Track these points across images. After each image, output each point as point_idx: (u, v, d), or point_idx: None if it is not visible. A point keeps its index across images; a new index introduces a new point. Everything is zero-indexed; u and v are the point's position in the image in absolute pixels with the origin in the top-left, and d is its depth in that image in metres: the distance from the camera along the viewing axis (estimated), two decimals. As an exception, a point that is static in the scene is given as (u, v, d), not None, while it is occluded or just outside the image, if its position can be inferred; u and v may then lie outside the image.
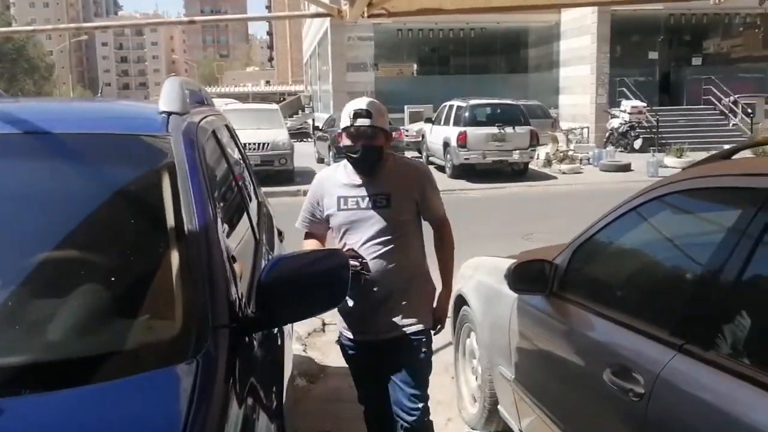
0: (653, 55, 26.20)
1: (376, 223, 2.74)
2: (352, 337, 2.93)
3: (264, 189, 4.24)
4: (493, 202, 13.09)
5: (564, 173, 16.92)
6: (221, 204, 2.18)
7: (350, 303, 2.78)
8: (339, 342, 3.04)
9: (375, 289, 2.76)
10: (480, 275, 3.71)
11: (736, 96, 23.04)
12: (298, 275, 1.68)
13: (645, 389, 1.96)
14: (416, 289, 2.89)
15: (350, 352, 2.99)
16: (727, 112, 23.34)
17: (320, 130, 20.67)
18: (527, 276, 2.77)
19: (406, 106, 24.56)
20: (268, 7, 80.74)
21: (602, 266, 2.76)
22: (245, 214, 2.72)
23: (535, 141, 16.31)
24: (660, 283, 2.35)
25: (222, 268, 1.65)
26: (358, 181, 2.77)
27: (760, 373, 1.65)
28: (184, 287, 1.59)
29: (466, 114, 16.44)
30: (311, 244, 2.89)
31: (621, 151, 20.10)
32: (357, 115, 2.67)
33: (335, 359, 5.00)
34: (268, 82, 63.55)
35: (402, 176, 2.82)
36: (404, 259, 2.81)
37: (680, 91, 25.81)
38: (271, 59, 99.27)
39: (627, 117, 21.13)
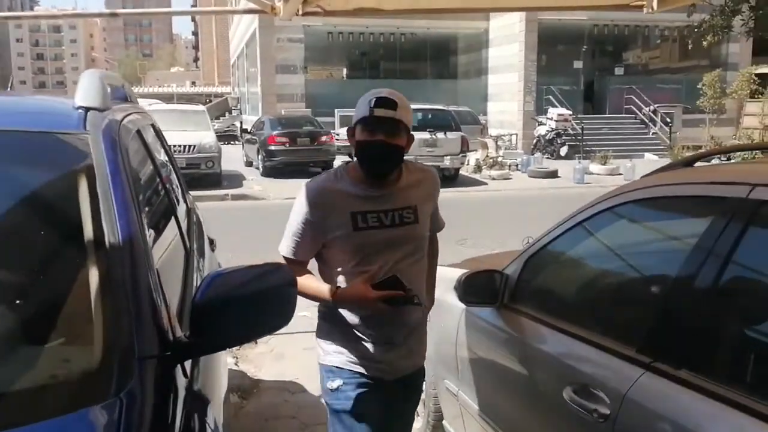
0: (578, 64, 26.97)
1: (404, 243, 2.25)
2: (366, 373, 2.28)
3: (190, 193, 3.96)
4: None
5: (494, 179, 17.10)
6: (147, 211, 1.94)
7: (372, 336, 2.26)
8: (330, 383, 2.31)
9: (407, 319, 2.29)
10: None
11: (655, 105, 23.95)
12: (239, 294, 1.46)
13: (611, 410, 1.84)
14: (424, 318, 2.47)
15: (359, 392, 2.28)
16: (647, 120, 24.22)
17: (249, 132, 20.24)
18: (477, 287, 2.63)
19: (336, 110, 24.37)
20: (194, 6, 78.95)
21: (557, 278, 2.65)
22: (174, 222, 2.44)
23: (465, 147, 16.43)
24: (622, 296, 2.25)
25: (149, 287, 1.42)
26: (376, 192, 2.20)
27: (734, 393, 1.55)
28: (104, 311, 1.34)
29: (399, 119, 16.38)
30: (306, 278, 2.26)
31: (548, 158, 20.53)
32: (379, 103, 2.08)
33: (269, 372, 4.78)
34: (193, 83, 62.02)
35: (421, 184, 2.32)
36: (425, 282, 2.42)
37: (603, 99, 26.65)
38: (196, 60, 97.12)
39: (553, 124, 21.61)
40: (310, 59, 27.83)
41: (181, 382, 1.37)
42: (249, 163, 19.56)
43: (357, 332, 2.26)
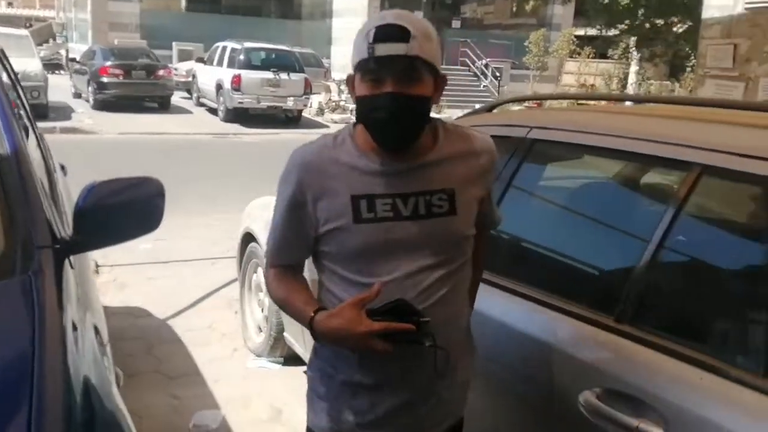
0: (418, 14, 27.68)
1: (432, 244, 1.53)
2: None
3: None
4: (268, 148, 13.18)
5: (336, 123, 17.49)
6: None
7: (377, 389, 1.56)
8: None
9: (434, 362, 1.51)
10: (270, 214, 3.88)
11: (487, 60, 25.40)
12: (115, 201, 1.73)
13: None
14: (470, 348, 1.72)
15: None
16: (479, 74, 25.65)
17: (78, 62, 19.00)
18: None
19: (174, 43, 23.49)
20: None
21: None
22: (35, 142, 2.59)
23: (309, 89, 16.66)
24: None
25: (37, 191, 1.66)
26: (393, 166, 1.51)
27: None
28: (4, 209, 1.57)
29: (241, 57, 16.26)
30: (296, 289, 1.60)
31: (387, 104, 21.19)
32: (382, 35, 1.40)
33: (114, 300, 4.91)
34: (10, 4, 55.94)
35: (467, 158, 1.59)
36: (463, 304, 1.65)
37: (442, 51, 27.73)
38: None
39: (394, 71, 22.25)
40: (146, -13, 26.36)
41: (70, 270, 1.64)
42: (78, 95, 18.47)
43: (356, 382, 1.56)
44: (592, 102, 6.09)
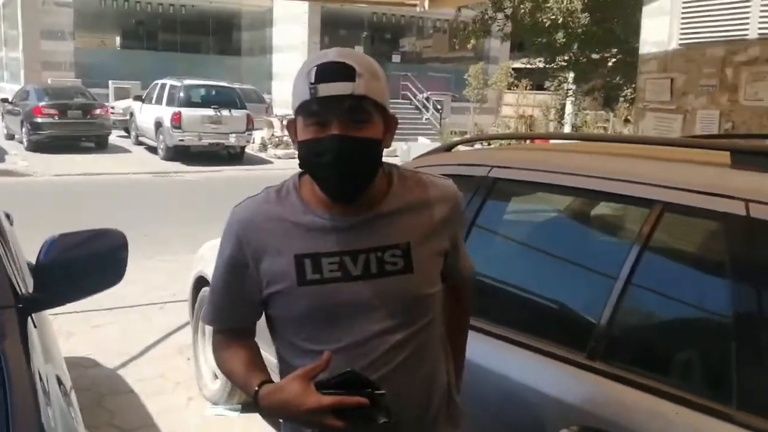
0: (359, 49, 28.09)
1: (385, 306, 1.39)
2: None
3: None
4: (211, 186, 13.02)
5: (279, 158, 17.44)
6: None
7: None
8: None
9: None
10: (223, 255, 3.81)
11: (428, 93, 25.84)
12: (77, 255, 1.68)
13: None
14: (450, 416, 1.56)
15: None
16: (421, 107, 26.04)
17: (10, 102, 18.43)
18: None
19: (110, 82, 23.06)
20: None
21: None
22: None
23: (251, 125, 16.58)
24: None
25: (-4, 251, 1.59)
26: (341, 220, 1.38)
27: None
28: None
29: (181, 94, 16.08)
30: (241, 358, 1.44)
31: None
32: (324, 74, 1.28)
33: (61, 349, 4.70)
34: (-66, 42, 54.04)
35: (426, 207, 1.45)
36: (432, 370, 1.49)
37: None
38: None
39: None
40: (80, 25, 25.87)
41: (33, 330, 1.57)
42: (11, 137, 17.88)
43: None
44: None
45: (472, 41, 14.51)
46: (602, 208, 2.21)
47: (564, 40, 14.02)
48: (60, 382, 1.63)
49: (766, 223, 1.53)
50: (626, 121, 18.68)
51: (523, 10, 14.08)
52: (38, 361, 1.49)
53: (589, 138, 4.96)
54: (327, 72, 1.27)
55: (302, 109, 1.31)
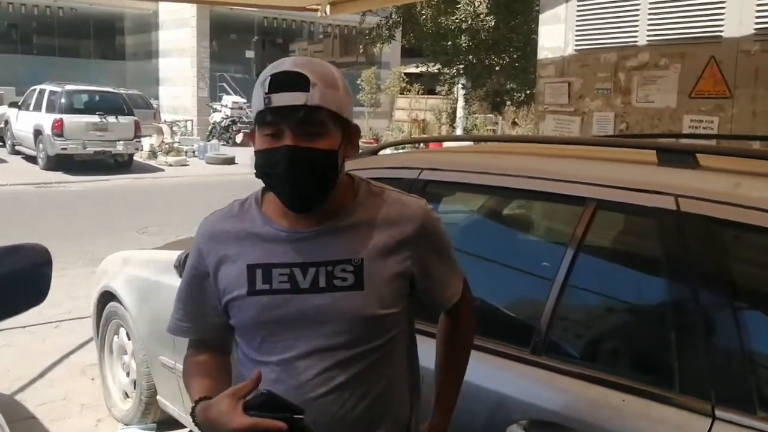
0: (250, 54, 27.72)
1: (330, 321, 1.36)
2: None
3: None
4: (99, 196, 12.40)
5: (170, 165, 16.85)
6: None
7: None
8: None
9: None
10: (131, 269, 3.64)
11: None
12: (-5, 274, 1.54)
13: None
14: None
15: None
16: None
17: None
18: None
19: (-18, 88, 21.48)
20: None
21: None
22: None
23: (139, 132, 15.93)
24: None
25: None
26: (296, 231, 1.38)
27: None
28: None
29: (62, 100, 15.24)
30: (195, 373, 1.46)
31: (225, 145, 20.82)
32: (278, 83, 1.27)
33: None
34: None
35: (386, 225, 1.40)
36: (381, 399, 1.42)
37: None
38: None
39: (229, 111, 21.96)
40: (-59, 27, 24.00)
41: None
42: None
43: None
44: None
45: (378, 45, 14.68)
46: (536, 208, 2.27)
47: (468, 44, 14.40)
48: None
49: (695, 216, 1.62)
50: (513, 123, 19.46)
51: (424, 16, 14.37)
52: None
53: (505, 139, 5.13)
54: (281, 82, 1.27)
55: (258, 119, 1.31)
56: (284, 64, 1.30)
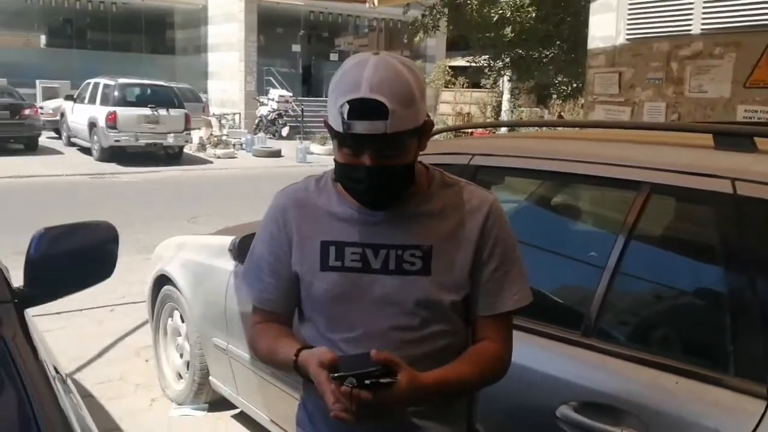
0: (296, 47, 27.99)
1: (398, 302, 1.41)
2: None
3: None
4: (150, 187, 12.71)
5: (219, 158, 17.17)
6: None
7: None
8: None
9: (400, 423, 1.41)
10: (186, 254, 3.75)
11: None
12: (66, 249, 1.63)
13: None
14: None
15: None
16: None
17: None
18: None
19: (38, 81, 22.18)
20: None
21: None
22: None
23: (189, 124, 16.25)
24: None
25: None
26: (370, 214, 1.43)
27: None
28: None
29: (116, 93, 15.64)
30: (274, 336, 1.50)
31: (271, 138, 21.10)
32: (357, 111, 1.28)
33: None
34: None
35: (456, 216, 1.44)
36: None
37: (320, 83, 28.01)
38: None
39: (275, 105, 22.24)
40: (1, 23, 24.81)
41: (30, 323, 1.52)
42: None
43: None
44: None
45: (420, 35, 14.67)
46: (589, 193, 2.27)
47: (512, 35, 14.27)
48: (57, 371, 1.58)
49: (752, 200, 1.60)
50: (559, 117, 19.21)
51: (470, 6, 14.28)
52: (42, 353, 1.44)
53: (573, 124, 5.09)
54: (359, 110, 1.27)
55: (336, 136, 1.34)
56: (361, 88, 1.27)
